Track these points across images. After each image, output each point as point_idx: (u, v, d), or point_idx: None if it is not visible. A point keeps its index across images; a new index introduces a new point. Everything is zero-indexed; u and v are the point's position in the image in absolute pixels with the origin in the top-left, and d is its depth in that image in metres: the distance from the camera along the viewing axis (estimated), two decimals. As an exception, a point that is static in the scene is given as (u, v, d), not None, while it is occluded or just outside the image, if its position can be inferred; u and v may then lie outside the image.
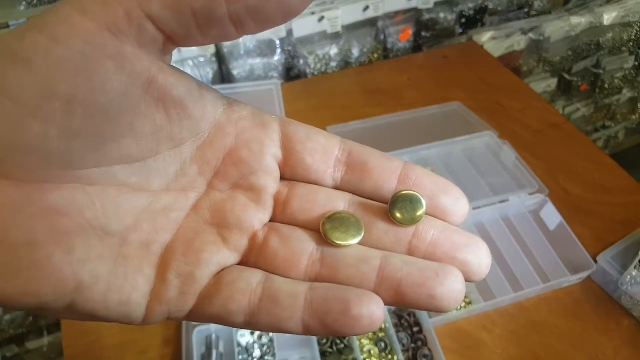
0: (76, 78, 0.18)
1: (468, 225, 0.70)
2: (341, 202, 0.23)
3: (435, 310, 0.21)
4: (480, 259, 0.22)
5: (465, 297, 0.64)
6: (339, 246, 0.22)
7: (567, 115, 1.55)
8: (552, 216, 0.70)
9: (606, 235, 0.72)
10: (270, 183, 0.23)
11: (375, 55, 1.11)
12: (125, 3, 0.18)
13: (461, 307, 0.63)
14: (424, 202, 0.22)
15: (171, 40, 0.19)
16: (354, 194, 0.23)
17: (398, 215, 0.22)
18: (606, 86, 1.52)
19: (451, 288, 0.21)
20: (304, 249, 0.22)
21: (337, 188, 0.24)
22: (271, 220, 0.23)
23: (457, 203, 0.23)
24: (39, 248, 0.19)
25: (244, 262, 0.22)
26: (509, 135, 0.87)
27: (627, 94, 1.63)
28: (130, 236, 0.21)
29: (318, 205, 0.23)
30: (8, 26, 0.88)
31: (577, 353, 0.60)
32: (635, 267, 0.62)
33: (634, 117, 1.74)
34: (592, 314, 0.64)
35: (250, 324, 0.21)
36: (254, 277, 0.21)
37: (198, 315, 0.21)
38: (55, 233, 0.19)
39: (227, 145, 0.23)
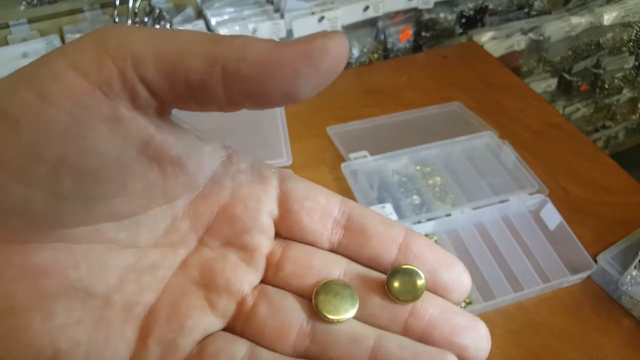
0: (66, 142, 0.17)
1: (468, 226, 0.70)
2: (337, 269, 0.22)
3: None
4: (478, 343, 0.21)
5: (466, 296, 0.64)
6: (331, 321, 0.20)
7: (567, 115, 1.55)
8: (552, 216, 0.70)
9: (606, 235, 0.72)
10: (264, 242, 0.22)
11: (375, 55, 1.11)
12: (120, 63, 0.17)
13: (461, 307, 0.63)
14: (423, 278, 0.21)
15: (165, 105, 0.19)
16: (350, 259, 0.22)
17: (395, 290, 0.21)
18: (606, 86, 1.52)
19: None
20: (293, 320, 0.21)
21: (333, 251, 0.22)
22: (262, 281, 0.22)
23: (459, 279, 0.22)
24: (18, 314, 0.18)
25: (230, 327, 0.21)
26: (508, 135, 0.87)
27: (627, 94, 1.63)
28: (113, 297, 0.20)
29: (312, 271, 0.21)
30: (8, 26, 0.89)
31: (577, 353, 0.60)
32: (635, 267, 0.62)
33: (634, 117, 1.74)
34: (592, 314, 0.64)
35: None
36: (239, 350, 0.20)
37: None
38: (36, 296, 0.18)
39: (222, 200, 0.22)
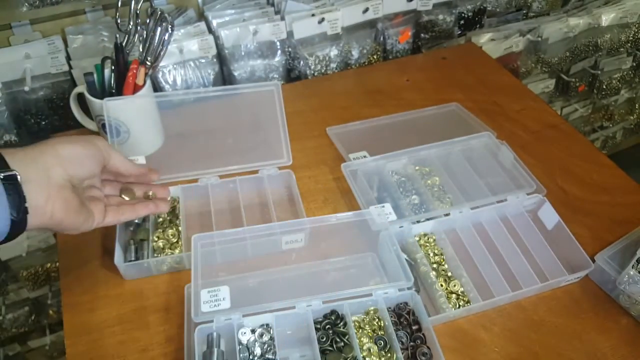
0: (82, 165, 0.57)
1: (466, 225, 0.71)
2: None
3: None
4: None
5: (464, 295, 0.65)
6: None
7: (564, 115, 1.56)
8: (550, 216, 0.71)
9: (604, 234, 0.73)
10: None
11: (375, 57, 1.11)
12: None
13: (460, 305, 0.64)
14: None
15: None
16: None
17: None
18: (604, 87, 1.53)
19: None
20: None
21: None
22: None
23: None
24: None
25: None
26: (507, 136, 0.88)
27: (624, 94, 1.64)
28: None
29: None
30: (10, 27, 0.89)
31: (575, 351, 0.61)
32: (632, 267, 0.62)
33: (631, 117, 1.74)
34: (590, 313, 0.65)
35: None
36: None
37: None
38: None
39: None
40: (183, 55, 0.94)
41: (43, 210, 0.51)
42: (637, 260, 0.63)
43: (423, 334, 0.59)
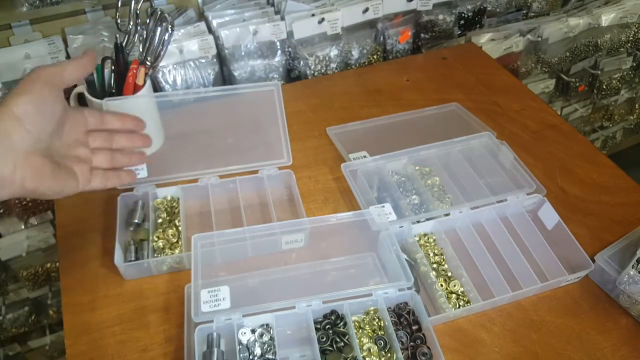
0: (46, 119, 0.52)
1: (466, 225, 0.71)
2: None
3: None
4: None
5: (464, 295, 0.65)
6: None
7: (564, 115, 1.56)
8: (550, 216, 0.71)
9: (604, 234, 0.73)
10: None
11: (375, 57, 1.11)
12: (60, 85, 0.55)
13: (460, 305, 0.64)
14: None
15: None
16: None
17: None
18: (604, 87, 1.53)
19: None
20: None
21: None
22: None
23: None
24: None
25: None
26: (507, 136, 0.88)
27: (624, 94, 1.64)
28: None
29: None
30: (10, 27, 0.89)
31: (575, 351, 0.61)
32: (632, 267, 0.62)
33: (631, 117, 1.74)
34: (590, 313, 0.65)
35: None
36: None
37: None
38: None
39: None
40: (183, 55, 0.94)
41: (11, 181, 0.48)
42: (637, 260, 0.63)
43: (423, 334, 0.59)
